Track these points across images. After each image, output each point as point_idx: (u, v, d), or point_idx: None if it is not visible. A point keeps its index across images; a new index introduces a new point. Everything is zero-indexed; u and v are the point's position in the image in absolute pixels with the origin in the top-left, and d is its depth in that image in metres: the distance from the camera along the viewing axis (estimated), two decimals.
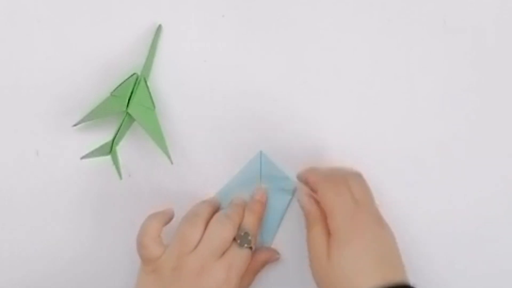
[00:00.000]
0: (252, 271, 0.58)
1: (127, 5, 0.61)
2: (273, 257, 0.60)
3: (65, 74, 0.61)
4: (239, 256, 0.55)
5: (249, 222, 0.57)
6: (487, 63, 0.61)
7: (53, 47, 0.61)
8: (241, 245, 0.55)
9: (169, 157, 0.58)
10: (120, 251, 0.60)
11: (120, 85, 0.58)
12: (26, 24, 0.61)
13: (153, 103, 0.58)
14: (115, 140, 0.58)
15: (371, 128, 0.61)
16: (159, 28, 0.61)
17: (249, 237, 0.56)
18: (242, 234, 0.56)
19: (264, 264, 0.59)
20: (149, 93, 0.58)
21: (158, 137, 0.58)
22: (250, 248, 0.56)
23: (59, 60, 0.61)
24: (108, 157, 0.59)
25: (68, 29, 0.61)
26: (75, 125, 0.59)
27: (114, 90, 0.58)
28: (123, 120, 0.57)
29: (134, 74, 0.58)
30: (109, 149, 0.58)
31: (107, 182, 0.61)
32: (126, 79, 0.58)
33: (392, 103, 0.61)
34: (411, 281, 0.53)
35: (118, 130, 0.57)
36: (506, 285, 0.62)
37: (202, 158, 0.61)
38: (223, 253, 0.55)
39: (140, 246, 0.54)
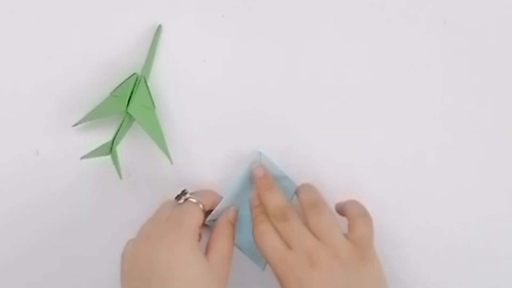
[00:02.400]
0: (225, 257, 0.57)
1: (127, 5, 0.61)
2: (230, 213, 0.58)
3: (65, 74, 0.61)
4: (178, 210, 0.55)
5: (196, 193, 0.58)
6: (486, 63, 0.61)
7: (53, 47, 0.61)
8: (178, 200, 0.56)
9: (169, 157, 0.58)
10: (120, 251, 0.60)
11: (120, 85, 0.58)
12: (26, 24, 0.61)
13: (153, 103, 0.58)
14: (115, 140, 0.58)
15: (371, 128, 0.61)
16: (159, 28, 0.61)
17: (185, 190, 0.56)
18: (180, 192, 0.56)
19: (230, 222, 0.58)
20: (149, 93, 0.58)
21: (158, 137, 0.58)
22: (195, 202, 0.56)
23: (59, 60, 0.61)
24: (108, 157, 0.59)
25: (68, 29, 0.61)
26: (75, 125, 0.59)
27: (114, 90, 0.58)
28: (123, 120, 0.57)
29: (134, 74, 0.58)
30: (109, 149, 0.58)
31: (107, 182, 0.61)
32: (126, 79, 0.58)
33: (392, 103, 0.61)
34: None
35: (118, 130, 0.57)
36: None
37: (202, 158, 0.61)
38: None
39: None
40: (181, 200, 0.56)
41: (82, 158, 0.58)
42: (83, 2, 0.61)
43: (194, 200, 0.56)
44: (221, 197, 0.59)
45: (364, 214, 0.56)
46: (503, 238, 0.61)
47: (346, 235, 0.55)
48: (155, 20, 0.61)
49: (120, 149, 0.59)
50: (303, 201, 0.57)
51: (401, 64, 0.61)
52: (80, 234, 0.61)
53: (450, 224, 0.61)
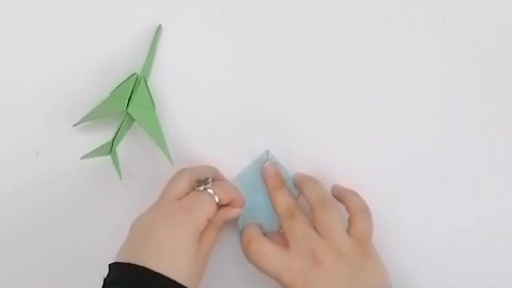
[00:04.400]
0: (214, 226, 0.56)
1: (127, 5, 0.61)
2: (232, 212, 0.57)
3: (65, 74, 0.61)
4: (193, 196, 0.55)
5: (221, 181, 0.57)
6: (486, 63, 0.61)
7: (53, 47, 0.61)
8: (198, 187, 0.55)
9: (169, 157, 0.58)
10: None
11: (120, 85, 0.58)
12: (26, 24, 0.61)
13: (153, 103, 0.58)
14: (115, 140, 0.58)
15: (371, 128, 0.61)
16: (159, 28, 0.61)
17: (208, 180, 0.55)
18: (203, 178, 0.56)
19: (225, 218, 0.57)
20: (149, 93, 0.58)
21: (158, 137, 0.58)
22: (212, 194, 0.55)
23: (59, 60, 0.61)
24: (108, 157, 0.59)
25: (68, 29, 0.61)
26: (75, 125, 0.59)
27: (114, 90, 0.58)
28: (123, 120, 0.57)
29: (134, 74, 0.59)
30: (109, 149, 0.58)
31: (107, 182, 0.61)
32: (126, 79, 0.58)
33: (392, 103, 0.61)
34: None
35: (118, 130, 0.57)
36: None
37: (202, 158, 0.61)
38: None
39: None
40: (201, 188, 0.55)
41: (82, 158, 0.58)
42: (83, 2, 0.61)
43: (211, 192, 0.55)
44: (239, 193, 0.58)
45: (365, 209, 0.56)
46: (503, 237, 0.61)
47: (346, 230, 0.55)
48: (155, 20, 0.61)
49: (120, 149, 0.59)
50: (311, 198, 0.57)
51: (401, 64, 0.61)
52: (80, 234, 0.61)
53: (450, 223, 0.61)
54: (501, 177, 0.61)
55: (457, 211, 0.61)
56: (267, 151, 0.61)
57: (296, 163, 0.61)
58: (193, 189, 0.56)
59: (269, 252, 0.55)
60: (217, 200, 0.55)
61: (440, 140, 0.61)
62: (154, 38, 0.60)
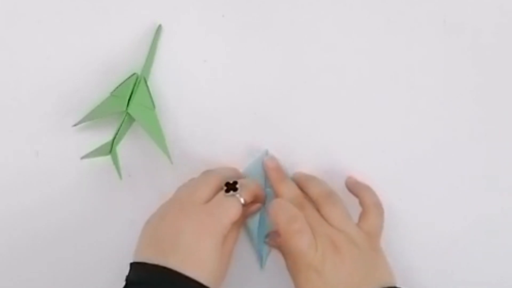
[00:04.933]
0: (236, 225, 0.56)
1: (127, 5, 0.61)
2: (254, 208, 0.58)
3: (65, 74, 0.61)
4: (221, 200, 0.54)
5: (244, 180, 0.57)
6: (487, 63, 0.61)
7: (53, 47, 0.61)
8: (226, 192, 0.55)
9: (169, 157, 0.58)
10: (120, 251, 0.60)
11: (120, 85, 0.58)
12: (26, 24, 0.61)
13: (153, 103, 0.58)
14: (115, 140, 0.58)
15: (371, 128, 0.61)
16: (159, 28, 0.61)
17: (237, 185, 0.55)
18: (231, 182, 0.55)
19: (246, 215, 0.58)
20: (149, 93, 0.58)
21: (158, 137, 0.58)
22: (238, 197, 0.55)
23: (59, 60, 0.61)
24: (108, 157, 0.59)
25: (68, 29, 0.61)
26: (75, 125, 0.59)
27: (114, 90, 0.58)
28: (123, 120, 0.57)
29: (134, 74, 0.59)
30: (109, 149, 0.58)
31: (107, 182, 0.61)
32: (126, 79, 0.58)
33: (392, 102, 0.61)
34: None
35: (118, 130, 0.58)
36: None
37: (202, 158, 0.61)
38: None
39: None
40: (229, 193, 0.55)
41: (82, 158, 0.58)
42: (83, 2, 0.61)
43: (238, 195, 0.55)
44: (264, 193, 0.59)
45: (378, 204, 0.56)
46: (504, 234, 0.61)
47: (357, 224, 0.55)
48: (155, 20, 0.61)
49: (120, 149, 0.59)
50: (316, 193, 0.57)
51: (401, 64, 0.61)
52: (80, 234, 0.61)
53: (450, 222, 0.61)
54: (501, 176, 0.61)
55: (457, 210, 0.61)
56: (266, 151, 0.61)
57: (296, 163, 0.61)
58: (218, 192, 0.55)
59: (308, 231, 0.53)
60: (243, 202, 0.55)
61: (440, 140, 0.61)
62: (154, 38, 0.60)
